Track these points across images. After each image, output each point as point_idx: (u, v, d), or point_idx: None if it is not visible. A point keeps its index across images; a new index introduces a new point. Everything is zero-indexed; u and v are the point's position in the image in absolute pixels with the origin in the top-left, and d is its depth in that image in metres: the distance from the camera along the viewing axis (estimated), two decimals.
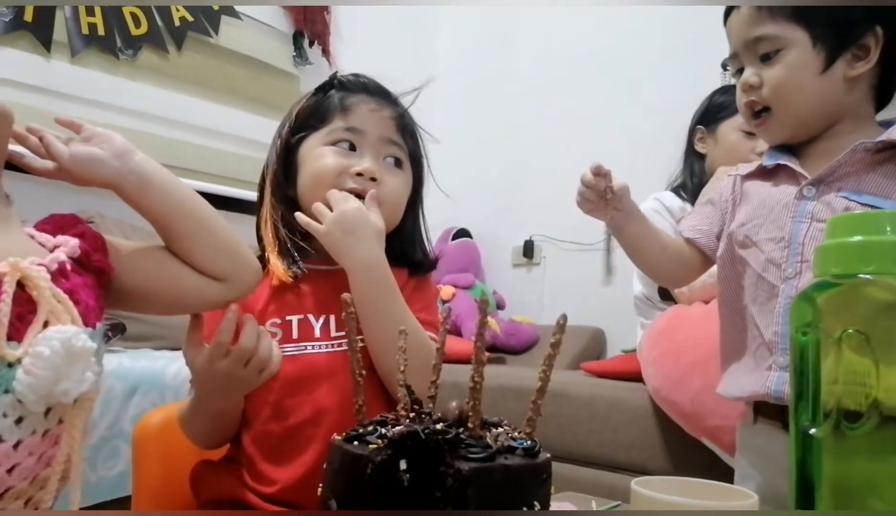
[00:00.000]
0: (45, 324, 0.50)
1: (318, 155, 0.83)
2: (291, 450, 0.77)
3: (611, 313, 2.37)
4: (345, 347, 0.80)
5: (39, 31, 2.05)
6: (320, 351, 0.80)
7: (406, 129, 0.88)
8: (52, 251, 0.55)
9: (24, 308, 0.49)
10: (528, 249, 2.85)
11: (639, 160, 2.42)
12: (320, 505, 0.54)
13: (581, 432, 1.66)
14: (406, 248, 0.89)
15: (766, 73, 0.86)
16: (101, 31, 2.18)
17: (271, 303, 0.82)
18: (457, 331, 2.49)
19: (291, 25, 2.68)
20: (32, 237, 0.56)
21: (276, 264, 0.81)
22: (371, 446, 0.50)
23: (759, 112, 0.90)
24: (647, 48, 2.54)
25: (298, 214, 0.81)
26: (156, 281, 0.64)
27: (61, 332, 0.49)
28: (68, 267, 0.54)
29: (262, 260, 0.82)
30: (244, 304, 0.80)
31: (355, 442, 0.52)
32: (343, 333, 0.81)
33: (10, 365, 0.48)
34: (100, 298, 0.57)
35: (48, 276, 0.51)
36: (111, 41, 2.20)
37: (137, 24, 2.27)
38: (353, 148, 0.84)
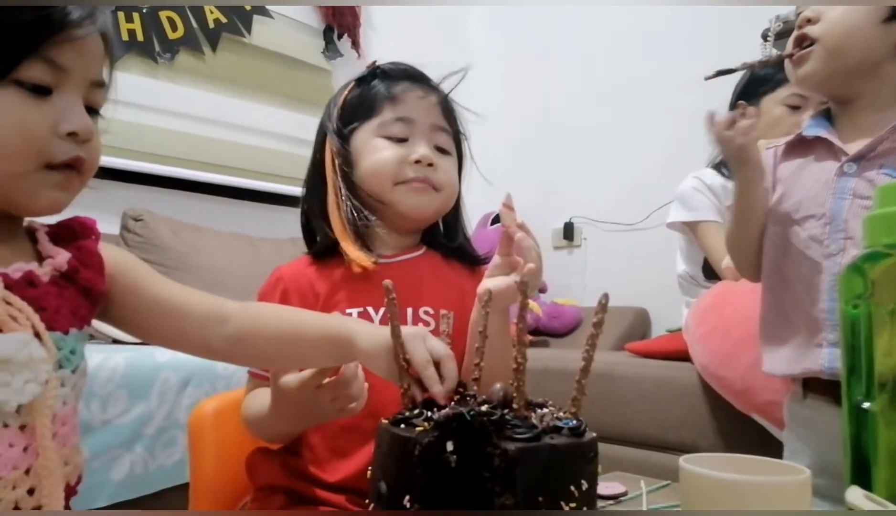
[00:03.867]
0: None
1: (374, 147, 0.83)
2: (354, 441, 0.77)
3: (654, 293, 2.33)
4: None
5: None
6: None
7: (450, 114, 0.89)
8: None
9: None
10: (569, 231, 2.82)
11: (681, 138, 2.36)
12: (370, 488, 0.55)
13: (628, 412, 1.65)
14: (460, 240, 0.90)
15: (827, 9, 0.84)
16: (139, 36, 2.24)
17: (335, 294, 0.82)
18: None
19: (322, 21, 2.70)
20: (36, 240, 0.57)
21: (358, 254, 0.80)
22: (418, 428, 0.51)
23: (804, 47, 0.87)
24: (688, 23, 2.46)
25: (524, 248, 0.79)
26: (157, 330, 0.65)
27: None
28: (41, 276, 0.54)
29: (330, 248, 0.82)
30: (307, 292, 0.81)
31: (402, 425, 0.53)
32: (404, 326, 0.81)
33: None
34: (82, 307, 0.57)
35: (1, 284, 0.51)
36: (150, 46, 2.26)
37: (174, 28, 2.32)
38: (404, 136, 0.84)
